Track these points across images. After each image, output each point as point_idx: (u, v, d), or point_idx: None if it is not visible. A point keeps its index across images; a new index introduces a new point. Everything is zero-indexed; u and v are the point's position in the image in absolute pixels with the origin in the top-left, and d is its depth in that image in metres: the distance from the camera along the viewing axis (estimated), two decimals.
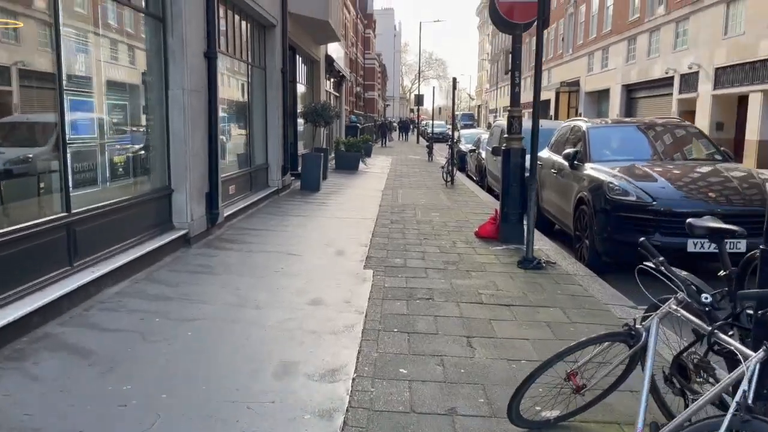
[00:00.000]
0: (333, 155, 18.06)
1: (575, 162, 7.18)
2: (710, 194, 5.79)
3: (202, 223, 6.74)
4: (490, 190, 13.93)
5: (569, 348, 2.64)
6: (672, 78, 23.85)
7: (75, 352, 3.52)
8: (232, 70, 8.97)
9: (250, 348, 3.66)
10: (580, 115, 33.66)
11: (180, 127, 6.14)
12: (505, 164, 7.14)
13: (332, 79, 20.92)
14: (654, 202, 5.69)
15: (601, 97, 33.05)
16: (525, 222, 7.32)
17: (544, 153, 9.05)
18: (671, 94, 24.06)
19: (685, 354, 2.59)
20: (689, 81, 22.76)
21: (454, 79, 14.45)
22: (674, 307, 2.45)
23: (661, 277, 2.51)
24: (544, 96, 46.50)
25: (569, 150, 7.24)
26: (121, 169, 5.30)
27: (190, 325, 4.03)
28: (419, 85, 46.26)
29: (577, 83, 35.77)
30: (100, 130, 4.92)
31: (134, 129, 5.64)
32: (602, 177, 6.29)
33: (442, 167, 15.26)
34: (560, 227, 8.09)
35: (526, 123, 7.58)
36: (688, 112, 22.66)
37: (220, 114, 7.80)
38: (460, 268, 5.93)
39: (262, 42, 10.46)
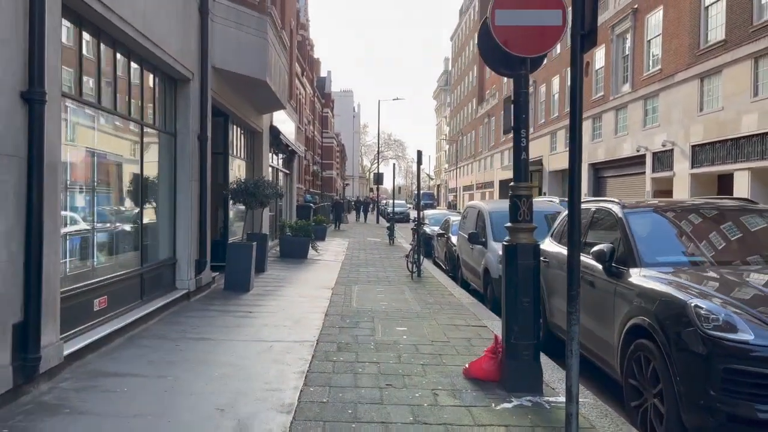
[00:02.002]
0: (279, 240, 15.40)
1: (614, 265, 4.74)
2: None
3: (3, 379, 3.87)
4: (465, 283, 11.45)
5: None
6: (644, 156, 22.62)
7: None
8: (112, 130, 6.38)
9: None
10: (545, 195, 32.23)
11: None
12: (510, 268, 4.63)
13: (280, 154, 18.60)
14: None
15: (566, 176, 31.75)
16: (541, 347, 4.75)
17: (547, 244, 6.67)
18: (644, 172, 22.75)
19: None
20: (663, 159, 21.50)
21: (419, 152, 12.25)
22: None
23: None
24: (505, 175, 45.77)
25: (602, 247, 4.81)
26: None
27: None
28: (378, 163, 44.64)
29: (540, 162, 34.73)
30: None
31: None
32: (677, 295, 3.82)
33: (406, 256, 12.78)
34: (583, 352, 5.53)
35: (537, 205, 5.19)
36: (664, 191, 21.25)
37: (68, 192, 5.14)
38: None
39: (170, 99, 8.00)
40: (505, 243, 4.72)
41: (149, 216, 7.48)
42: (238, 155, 12.62)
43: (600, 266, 4.86)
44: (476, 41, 4.82)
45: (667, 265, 4.45)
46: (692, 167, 19.54)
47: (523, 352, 4.62)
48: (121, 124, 6.58)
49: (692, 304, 3.62)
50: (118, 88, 6.23)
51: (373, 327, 6.92)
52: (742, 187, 17.06)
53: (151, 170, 7.51)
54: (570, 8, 3.46)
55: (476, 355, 5.58)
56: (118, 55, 6.28)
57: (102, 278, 5.86)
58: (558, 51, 32.34)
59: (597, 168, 27.88)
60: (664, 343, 3.75)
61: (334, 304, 8.46)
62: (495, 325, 7.19)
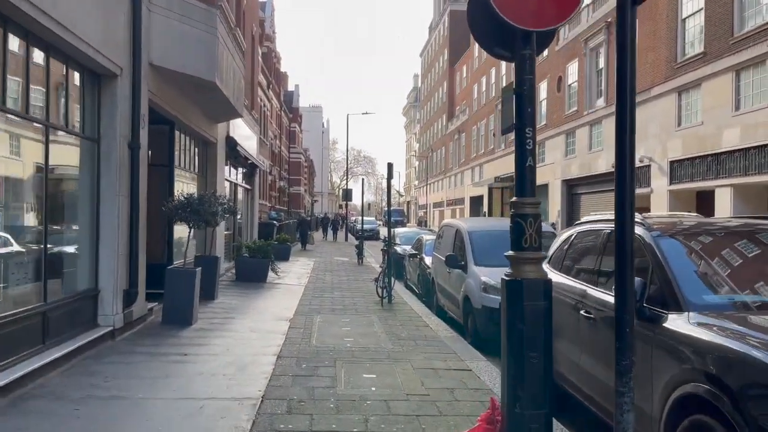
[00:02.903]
0: (235, 262, 13.99)
1: (646, 306, 3.63)
2: None
3: None
4: (440, 310, 10.28)
5: None
6: None
7: None
8: (10, 134, 5.03)
9: None
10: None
11: None
12: (514, 310, 3.47)
13: (240, 168, 17.24)
14: None
15: (539, 192, 30.88)
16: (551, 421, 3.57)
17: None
18: None
19: None
20: (640, 176, 20.84)
21: (390, 165, 11.13)
22: None
23: None
24: (476, 192, 45.06)
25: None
26: None
27: None
28: (347, 179, 43.37)
29: (512, 179, 34.02)
30: None
31: None
32: (757, 355, 2.71)
33: (376, 279, 11.57)
34: (587, 405, 4.40)
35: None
36: (641, 209, 20.56)
37: None
38: None
39: (92, 97, 6.66)
40: (505, 277, 3.56)
41: (59, 238, 6.10)
42: (187, 168, 11.25)
43: None
44: (466, 16, 3.69)
45: (720, 308, 3.36)
46: (671, 184, 18.93)
47: (531, 425, 3.43)
48: (14, 123, 5.22)
49: None
50: (7, 78, 4.89)
51: (335, 374, 5.65)
52: (723, 204, 16.44)
53: (62, 182, 6.16)
54: None
55: (464, 417, 4.41)
56: (11, 37, 4.96)
57: None
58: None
59: (571, 185, 27.28)
60: (741, 425, 2.62)
61: (291, 341, 7.17)
62: (481, 368, 6.03)
